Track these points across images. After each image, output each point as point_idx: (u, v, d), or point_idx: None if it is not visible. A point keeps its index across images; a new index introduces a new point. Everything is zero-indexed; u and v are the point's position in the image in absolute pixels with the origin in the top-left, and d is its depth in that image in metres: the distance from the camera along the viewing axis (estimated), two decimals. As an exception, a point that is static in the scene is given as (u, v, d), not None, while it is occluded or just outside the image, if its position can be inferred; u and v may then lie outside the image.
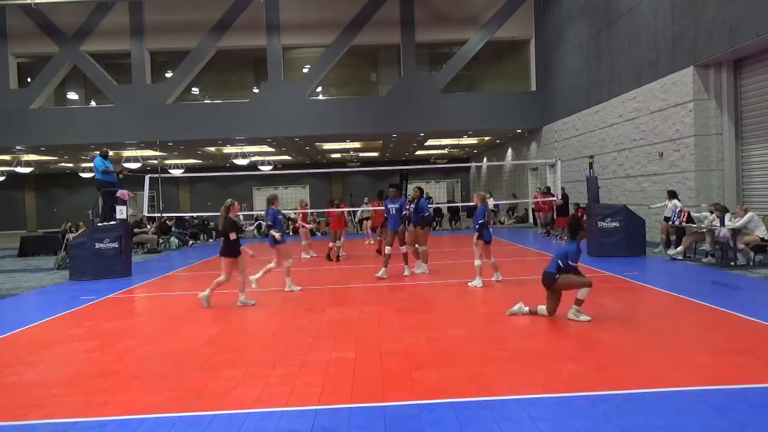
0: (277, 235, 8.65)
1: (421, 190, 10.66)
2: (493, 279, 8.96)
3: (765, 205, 11.07)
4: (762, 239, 9.58)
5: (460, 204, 27.71)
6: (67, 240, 13.23)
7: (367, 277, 10.02)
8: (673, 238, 11.69)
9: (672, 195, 11.87)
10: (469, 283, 8.68)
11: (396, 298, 8.07)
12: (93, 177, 13.32)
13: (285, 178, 35.25)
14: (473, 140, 26.96)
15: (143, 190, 13.31)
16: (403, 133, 22.35)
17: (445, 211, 26.52)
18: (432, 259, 10.91)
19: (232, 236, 7.54)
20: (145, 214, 15.46)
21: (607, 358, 4.85)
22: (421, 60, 21.69)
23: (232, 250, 7.60)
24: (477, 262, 8.62)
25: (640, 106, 13.94)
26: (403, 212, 9.91)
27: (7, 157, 25.53)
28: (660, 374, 4.38)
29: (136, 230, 16.83)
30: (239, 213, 8.79)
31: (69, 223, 16.73)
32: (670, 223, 11.64)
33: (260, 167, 27.72)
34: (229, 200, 7.87)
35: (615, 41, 15.00)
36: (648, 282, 8.53)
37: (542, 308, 6.42)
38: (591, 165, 13.08)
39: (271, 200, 9.02)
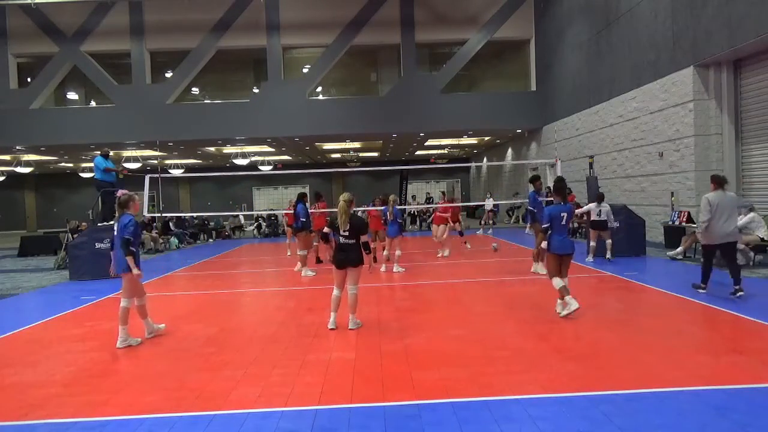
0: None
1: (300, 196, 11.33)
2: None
3: (765, 205, 11.07)
4: (762, 239, 9.59)
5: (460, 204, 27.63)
6: (67, 240, 13.22)
7: (367, 277, 9.99)
8: (609, 242, 10.83)
9: (601, 198, 10.94)
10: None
11: (396, 298, 8.07)
12: (92, 177, 13.32)
13: (285, 178, 35.26)
14: (473, 140, 26.94)
15: (143, 190, 13.28)
16: (403, 133, 22.33)
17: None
18: (432, 259, 10.88)
19: (363, 238, 6.15)
20: (146, 214, 15.43)
21: (607, 358, 4.85)
22: (421, 60, 21.68)
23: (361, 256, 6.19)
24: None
25: (640, 106, 13.93)
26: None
27: (7, 157, 25.52)
28: (660, 374, 4.38)
29: (144, 232, 16.80)
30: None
31: (75, 222, 16.64)
32: (670, 222, 11.64)
33: (260, 167, 27.72)
34: (348, 194, 6.30)
35: (615, 41, 14.99)
36: (648, 282, 8.53)
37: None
38: (591, 165, 13.10)
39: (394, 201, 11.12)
